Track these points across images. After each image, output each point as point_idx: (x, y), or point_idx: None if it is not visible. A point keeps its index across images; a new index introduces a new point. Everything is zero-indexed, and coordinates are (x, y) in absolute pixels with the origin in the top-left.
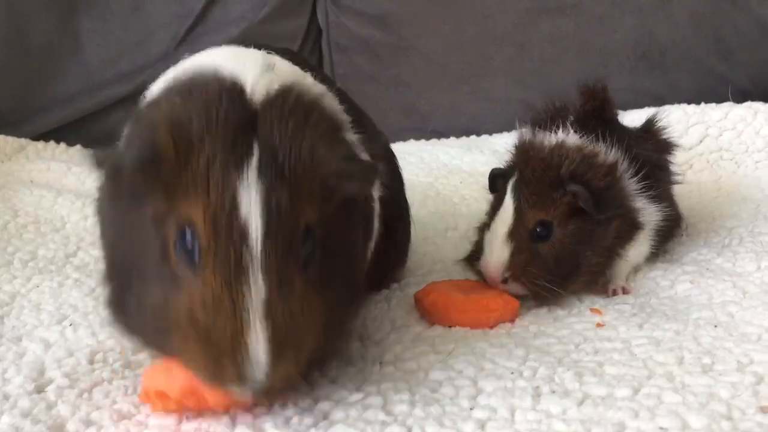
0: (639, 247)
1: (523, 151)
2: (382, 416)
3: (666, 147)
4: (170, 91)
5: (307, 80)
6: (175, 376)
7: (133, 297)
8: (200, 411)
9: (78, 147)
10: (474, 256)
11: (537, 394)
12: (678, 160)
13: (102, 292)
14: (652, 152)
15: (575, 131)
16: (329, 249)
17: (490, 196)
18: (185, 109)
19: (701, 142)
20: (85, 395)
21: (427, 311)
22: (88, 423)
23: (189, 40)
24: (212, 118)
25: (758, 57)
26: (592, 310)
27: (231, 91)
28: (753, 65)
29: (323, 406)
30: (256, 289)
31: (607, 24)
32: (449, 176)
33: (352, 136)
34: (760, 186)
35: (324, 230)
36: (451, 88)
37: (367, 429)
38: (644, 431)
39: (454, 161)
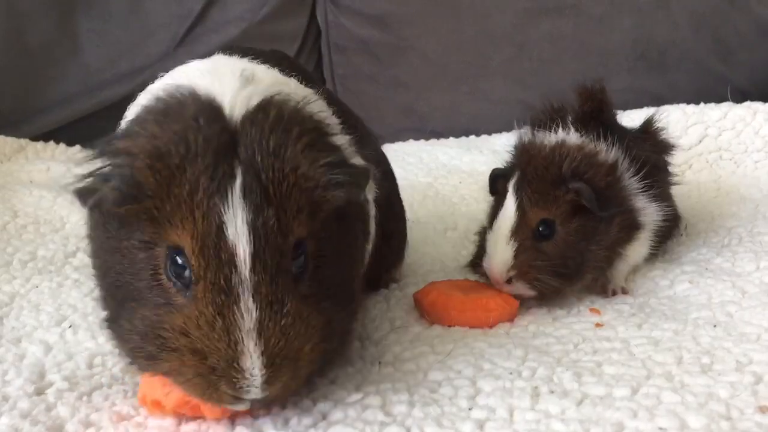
0: (639, 248)
1: (524, 150)
2: (380, 416)
3: (664, 147)
4: (146, 118)
5: (290, 86)
6: (171, 389)
7: (127, 320)
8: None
9: (77, 147)
10: (477, 260)
11: (536, 394)
12: (677, 160)
13: (100, 313)
14: (650, 152)
15: (576, 130)
16: (324, 258)
17: (489, 197)
18: (163, 137)
19: (700, 142)
20: (85, 398)
21: (427, 311)
22: (87, 424)
23: (188, 41)
24: (191, 144)
25: (757, 57)
26: (591, 310)
27: (209, 112)
28: (752, 65)
29: (322, 406)
30: (248, 311)
31: (606, 24)
32: (448, 176)
33: (342, 139)
34: (759, 186)
35: (317, 242)
36: (450, 89)
37: (366, 429)
38: (643, 431)
39: (453, 161)
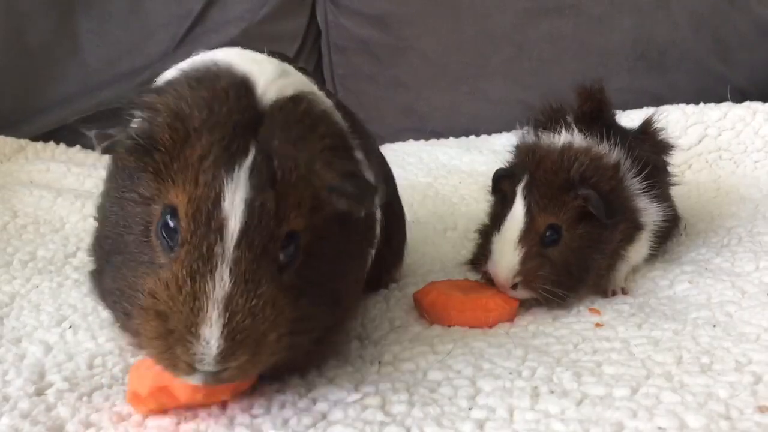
0: (639, 248)
1: (531, 152)
2: (380, 416)
3: (663, 148)
4: (179, 79)
5: (315, 92)
6: (144, 375)
7: (111, 272)
8: (179, 407)
9: (77, 147)
10: (478, 259)
11: (535, 394)
12: (677, 160)
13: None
14: (650, 153)
15: (580, 131)
16: (318, 256)
17: (489, 197)
18: (189, 99)
19: (700, 142)
20: (85, 398)
21: (426, 311)
22: (87, 425)
23: (188, 41)
24: (214, 112)
25: (757, 57)
26: (590, 310)
27: (240, 88)
28: (752, 65)
29: (321, 406)
30: (221, 282)
31: (605, 24)
32: (448, 176)
33: (359, 154)
34: (759, 186)
35: (312, 239)
36: (450, 89)
37: (365, 429)
38: (642, 431)
39: (453, 161)
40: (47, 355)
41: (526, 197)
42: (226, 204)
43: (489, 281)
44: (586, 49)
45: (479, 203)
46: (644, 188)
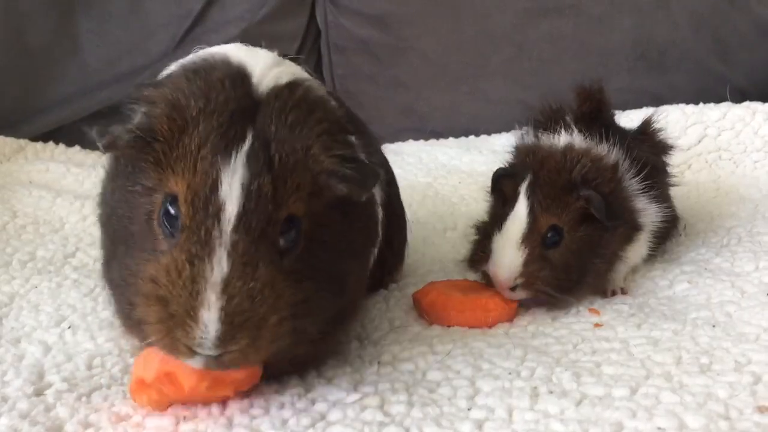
0: (638, 248)
1: (534, 153)
2: (379, 417)
3: (663, 148)
4: (177, 72)
5: (312, 81)
6: (150, 362)
7: (117, 264)
8: (180, 400)
9: (77, 148)
10: (476, 258)
11: (535, 395)
12: (676, 161)
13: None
14: (649, 154)
15: (580, 132)
16: (320, 243)
17: (489, 197)
18: (186, 90)
19: (700, 142)
20: (84, 399)
21: (426, 311)
22: (86, 425)
23: (188, 41)
24: (211, 101)
25: (757, 57)
26: (590, 310)
27: (236, 77)
28: (751, 65)
29: (320, 406)
30: (219, 266)
31: (605, 24)
32: (448, 176)
33: (356, 140)
34: (759, 186)
35: (313, 225)
36: (450, 89)
37: (364, 429)
38: (642, 431)
39: (452, 161)
40: (46, 356)
41: (530, 197)
42: (224, 189)
43: (488, 281)
44: (586, 49)
45: (479, 203)
46: (643, 188)
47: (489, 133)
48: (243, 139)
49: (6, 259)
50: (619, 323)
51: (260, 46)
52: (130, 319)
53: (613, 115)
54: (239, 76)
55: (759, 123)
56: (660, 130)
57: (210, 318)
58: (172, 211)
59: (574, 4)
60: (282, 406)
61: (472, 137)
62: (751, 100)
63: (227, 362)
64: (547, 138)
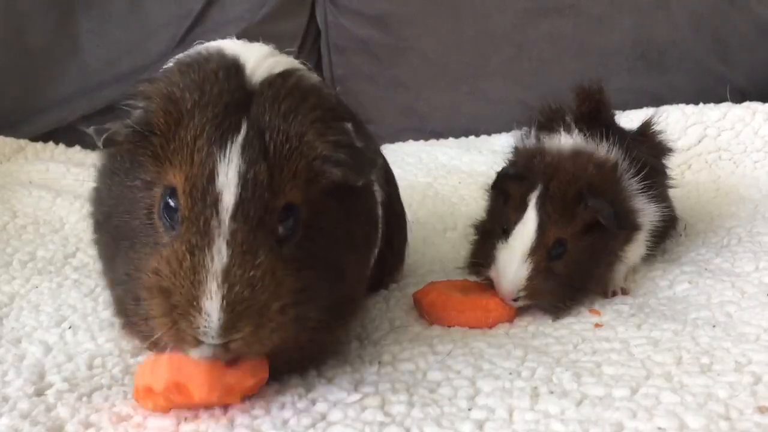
0: (636, 248)
1: (540, 157)
2: (380, 417)
3: (662, 150)
4: (171, 67)
5: (309, 71)
6: (159, 370)
7: (120, 262)
8: (187, 406)
9: (77, 148)
10: (476, 262)
11: (535, 395)
12: (677, 161)
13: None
14: (648, 155)
15: (584, 135)
16: (319, 231)
17: (489, 192)
18: (180, 83)
19: (700, 142)
20: (85, 399)
21: (426, 311)
22: (87, 425)
23: (188, 41)
24: (205, 93)
25: (757, 57)
26: (590, 310)
27: (229, 69)
28: (751, 65)
29: (321, 406)
30: (218, 255)
31: (605, 24)
32: (448, 176)
33: (350, 128)
34: (759, 186)
35: (314, 213)
36: (450, 89)
37: (365, 430)
38: (642, 431)
39: (452, 161)
40: (47, 356)
41: (539, 210)
42: (220, 179)
43: (489, 282)
44: (586, 49)
45: (479, 203)
46: (641, 188)
47: (489, 133)
48: (238, 129)
49: (6, 260)
50: (619, 323)
51: None
52: (137, 315)
53: (613, 115)
54: (233, 67)
55: (759, 123)
56: (660, 132)
57: (212, 307)
58: (171, 203)
59: (574, 4)
60: (283, 406)
61: (472, 137)
62: (751, 100)
63: (233, 350)
64: (549, 140)
